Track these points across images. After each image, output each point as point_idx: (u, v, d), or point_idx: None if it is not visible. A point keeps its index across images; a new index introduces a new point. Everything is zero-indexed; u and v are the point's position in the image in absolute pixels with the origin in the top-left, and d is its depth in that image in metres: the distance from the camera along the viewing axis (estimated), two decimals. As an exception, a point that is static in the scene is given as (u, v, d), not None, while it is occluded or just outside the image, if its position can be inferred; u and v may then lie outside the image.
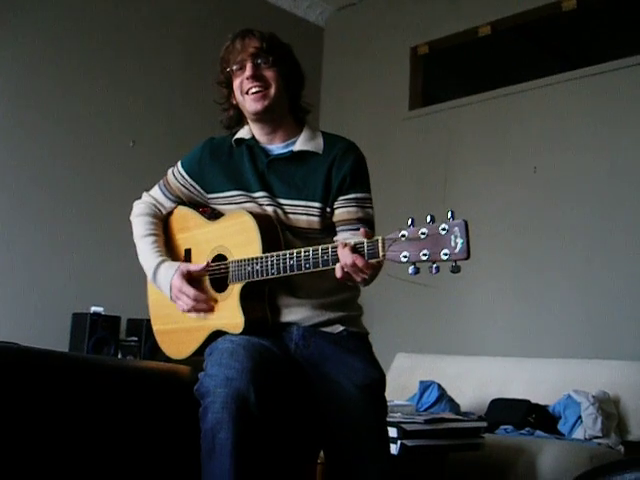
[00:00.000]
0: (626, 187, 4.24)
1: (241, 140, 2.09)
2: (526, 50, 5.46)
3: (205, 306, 2.00)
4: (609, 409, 3.56)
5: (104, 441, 1.83)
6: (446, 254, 1.55)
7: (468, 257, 1.53)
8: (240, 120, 2.13)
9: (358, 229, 1.91)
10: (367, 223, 1.98)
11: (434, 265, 1.58)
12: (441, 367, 4.30)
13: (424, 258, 1.57)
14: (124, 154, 4.76)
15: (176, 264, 2.05)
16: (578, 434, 3.49)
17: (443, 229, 1.56)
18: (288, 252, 1.82)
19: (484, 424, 3.16)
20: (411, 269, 1.60)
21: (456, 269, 1.55)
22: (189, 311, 2.01)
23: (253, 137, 2.09)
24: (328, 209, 2.00)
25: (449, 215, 1.57)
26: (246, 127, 2.11)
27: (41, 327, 4.10)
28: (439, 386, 3.86)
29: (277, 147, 2.07)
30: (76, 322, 4.16)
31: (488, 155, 4.86)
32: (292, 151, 2.04)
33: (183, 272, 2.01)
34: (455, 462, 3.06)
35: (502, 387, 3.96)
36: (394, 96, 5.45)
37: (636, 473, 1.28)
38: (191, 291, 1.99)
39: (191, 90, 5.08)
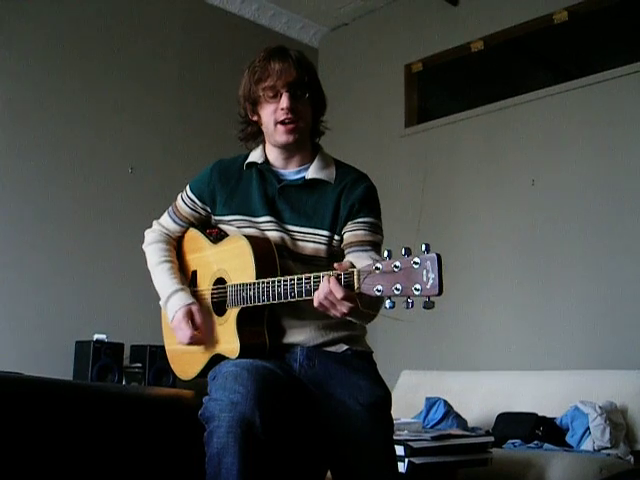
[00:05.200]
0: (625, 196, 4.24)
1: (252, 164, 2.08)
2: (520, 63, 5.49)
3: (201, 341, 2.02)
4: (617, 419, 3.54)
5: (110, 468, 1.83)
6: (417, 289, 1.50)
7: (440, 293, 1.49)
8: (256, 137, 2.11)
9: (367, 251, 1.92)
10: (376, 247, 1.97)
11: (409, 299, 1.53)
12: (447, 383, 4.29)
13: (397, 292, 1.53)
14: (123, 181, 4.78)
15: (189, 299, 2.05)
16: (587, 445, 3.47)
17: (415, 263, 1.52)
18: (277, 280, 1.82)
19: (492, 439, 3.14)
20: (387, 303, 1.56)
21: (429, 305, 1.51)
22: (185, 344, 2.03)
23: (266, 161, 2.07)
24: (336, 237, 2.00)
25: (423, 248, 1.53)
26: (259, 149, 2.09)
27: (44, 356, 4.10)
28: (445, 402, 3.84)
29: (290, 172, 2.06)
30: (79, 350, 4.14)
31: (485, 169, 4.88)
32: (304, 178, 2.04)
33: (189, 311, 2.02)
34: (464, 478, 3.05)
35: (508, 401, 3.94)
36: (390, 114, 5.47)
37: (646, 482, 1.27)
38: (188, 332, 2.00)
39: (188, 115, 5.12)
